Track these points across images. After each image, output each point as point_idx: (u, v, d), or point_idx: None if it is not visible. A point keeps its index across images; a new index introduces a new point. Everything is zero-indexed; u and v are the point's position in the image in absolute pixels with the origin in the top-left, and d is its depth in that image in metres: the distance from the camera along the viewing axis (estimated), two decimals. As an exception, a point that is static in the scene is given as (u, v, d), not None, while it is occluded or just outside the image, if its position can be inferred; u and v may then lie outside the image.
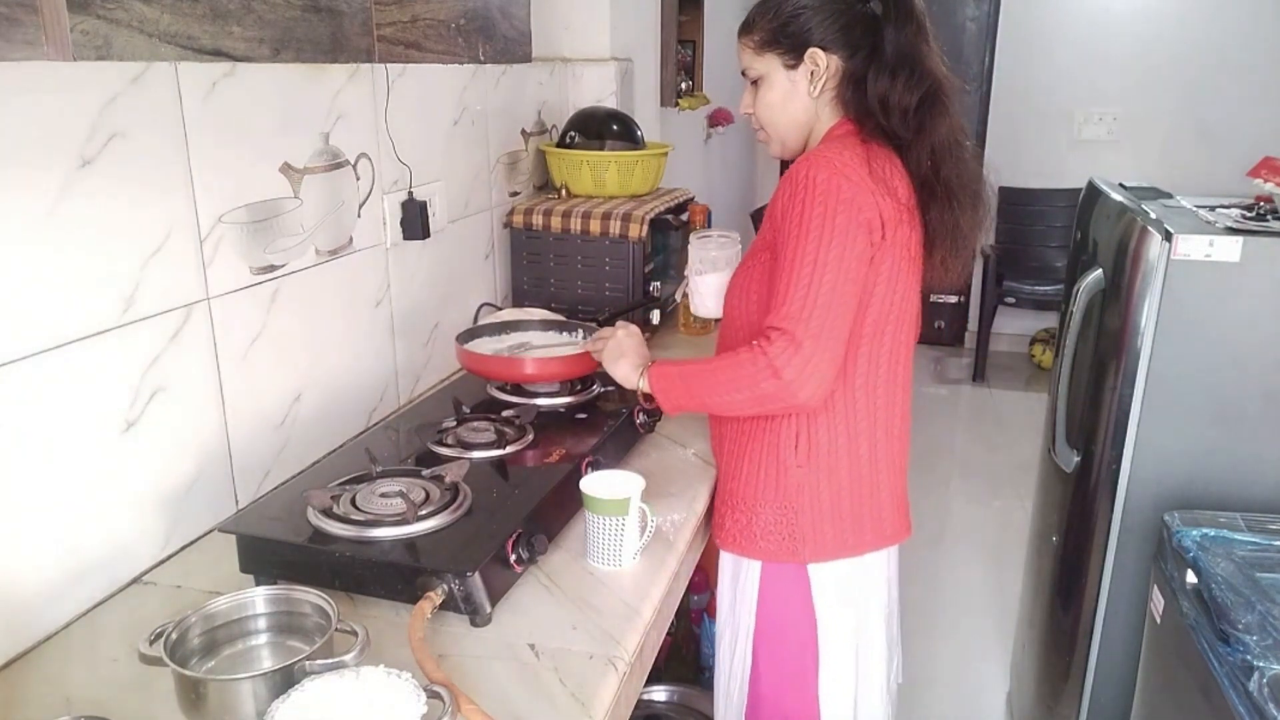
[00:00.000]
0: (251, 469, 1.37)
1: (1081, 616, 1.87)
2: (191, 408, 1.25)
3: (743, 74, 1.38)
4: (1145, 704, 1.61)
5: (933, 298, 5.17)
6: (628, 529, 1.22)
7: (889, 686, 1.47)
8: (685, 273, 1.71)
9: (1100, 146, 4.93)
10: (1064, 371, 1.94)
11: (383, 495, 1.19)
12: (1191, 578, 1.41)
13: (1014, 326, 5.20)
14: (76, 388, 1.08)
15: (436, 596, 1.05)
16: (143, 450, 1.18)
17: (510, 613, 1.11)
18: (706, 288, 1.64)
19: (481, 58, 1.63)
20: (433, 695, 0.87)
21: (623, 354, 1.40)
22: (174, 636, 0.93)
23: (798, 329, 1.17)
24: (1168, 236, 1.60)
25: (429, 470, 1.26)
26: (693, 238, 1.69)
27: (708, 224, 2.35)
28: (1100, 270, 1.81)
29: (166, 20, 0.93)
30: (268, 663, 0.99)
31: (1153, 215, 1.70)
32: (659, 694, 2.08)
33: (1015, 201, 4.88)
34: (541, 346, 1.68)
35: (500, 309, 2.00)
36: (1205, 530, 1.46)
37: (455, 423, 1.45)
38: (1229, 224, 1.66)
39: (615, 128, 2.18)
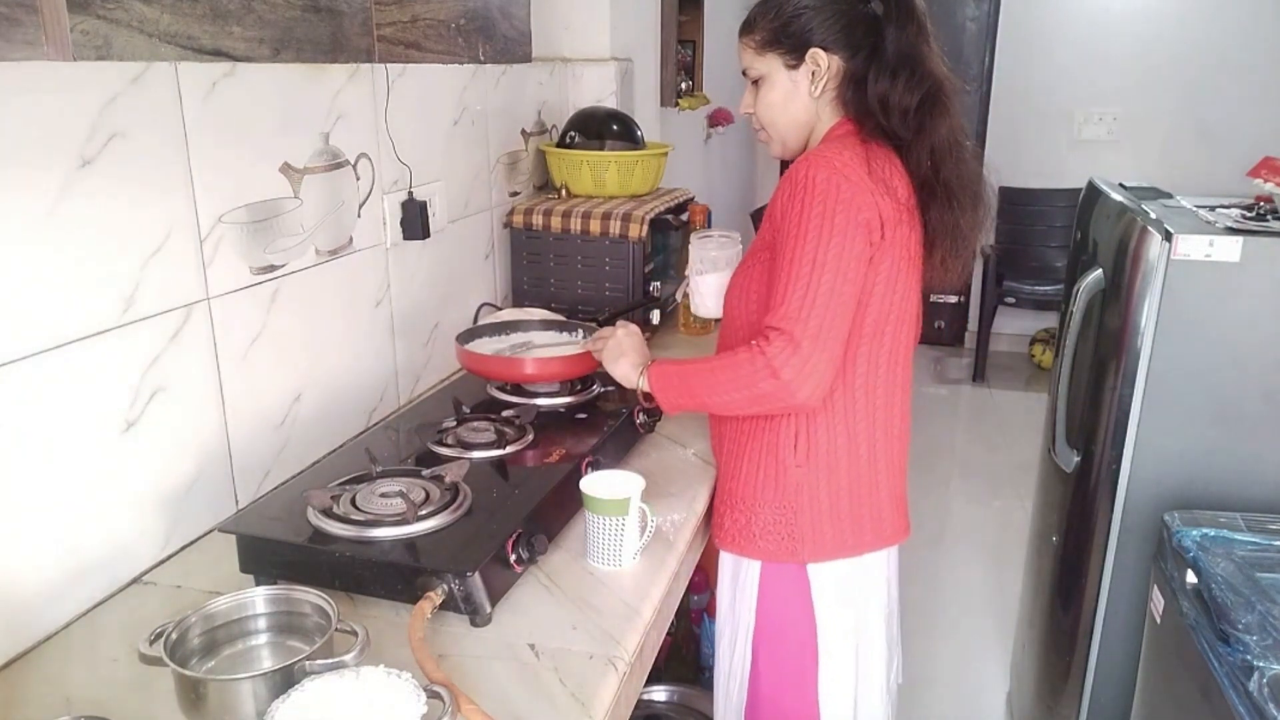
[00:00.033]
0: (251, 469, 1.37)
1: (1081, 616, 1.87)
2: (191, 408, 1.25)
3: (743, 74, 1.38)
4: (1145, 704, 1.61)
5: (933, 298, 5.17)
6: (628, 529, 1.22)
7: (889, 686, 1.47)
8: (686, 273, 1.71)
9: (1100, 146, 4.93)
10: (1064, 371, 1.94)
11: (383, 495, 1.19)
12: (1191, 578, 1.41)
13: (1014, 326, 5.20)
14: (76, 388, 1.08)
15: (436, 596, 1.05)
16: (143, 450, 1.18)
17: (510, 613, 1.11)
18: (707, 288, 1.64)
19: (481, 58, 1.63)
20: (433, 695, 0.87)
21: (623, 353, 1.40)
22: (174, 636, 0.93)
23: (796, 329, 1.17)
24: (1168, 236, 1.60)
25: (429, 470, 1.26)
26: (694, 238, 1.69)
27: (708, 224, 2.36)
28: (1100, 270, 1.81)
29: (166, 20, 0.93)
30: (268, 663, 0.98)
31: (1153, 215, 1.70)
32: (659, 694, 2.08)
33: (1015, 201, 4.88)
34: (541, 346, 1.68)
35: (500, 309, 2.00)
36: (1205, 530, 1.46)
37: (455, 423, 1.45)
38: (1229, 224, 1.66)
39: (615, 128, 2.18)
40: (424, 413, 1.53)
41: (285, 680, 0.88)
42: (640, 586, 1.19)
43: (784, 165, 1.38)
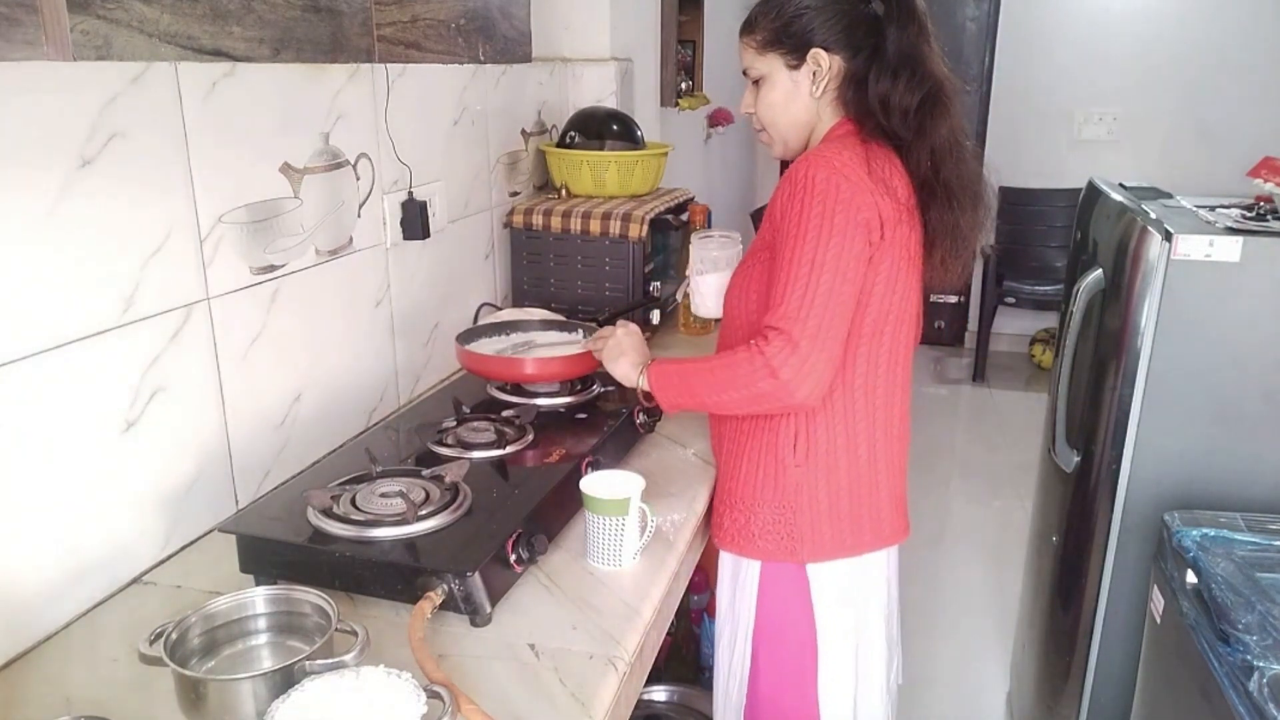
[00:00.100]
0: (251, 469, 1.37)
1: (1081, 616, 1.87)
2: (191, 408, 1.25)
3: (744, 73, 1.38)
4: (1145, 704, 1.61)
5: (933, 298, 5.17)
6: (628, 529, 1.22)
7: (889, 686, 1.47)
8: (686, 273, 1.71)
9: (1100, 146, 4.93)
10: (1064, 371, 1.94)
11: (383, 495, 1.19)
12: (1191, 578, 1.41)
13: (1014, 326, 5.20)
14: (76, 388, 1.08)
15: (436, 596, 1.05)
16: (143, 450, 1.18)
17: (510, 613, 1.11)
18: (707, 287, 1.64)
19: (481, 58, 1.63)
20: (433, 695, 0.87)
21: (623, 353, 1.40)
22: (174, 636, 0.93)
23: (794, 329, 1.17)
24: (1168, 236, 1.60)
25: (429, 470, 1.26)
26: (694, 238, 1.69)
27: (708, 224, 2.36)
28: (1100, 270, 1.81)
29: (166, 20, 0.93)
30: (268, 663, 0.98)
31: (1153, 215, 1.70)
32: (659, 694, 2.09)
33: (1015, 201, 4.88)
34: (541, 346, 1.68)
35: (500, 309, 2.00)
36: (1205, 530, 1.46)
37: (455, 423, 1.45)
38: (1229, 224, 1.66)
39: (615, 128, 2.18)
40: (424, 413, 1.53)
41: (285, 680, 0.88)
42: (640, 586, 1.19)
43: (784, 165, 1.38)
